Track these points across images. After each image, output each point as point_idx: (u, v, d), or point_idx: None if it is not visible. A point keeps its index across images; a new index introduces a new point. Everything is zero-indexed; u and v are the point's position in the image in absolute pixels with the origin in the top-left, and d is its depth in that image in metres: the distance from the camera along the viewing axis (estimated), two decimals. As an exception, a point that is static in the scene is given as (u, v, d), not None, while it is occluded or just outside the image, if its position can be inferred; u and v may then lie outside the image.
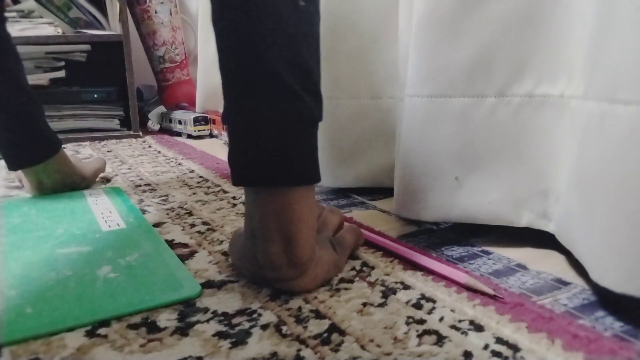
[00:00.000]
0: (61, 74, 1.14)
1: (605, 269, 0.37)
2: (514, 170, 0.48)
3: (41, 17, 1.15)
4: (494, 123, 0.48)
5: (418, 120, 0.50)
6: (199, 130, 1.17)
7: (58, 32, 1.12)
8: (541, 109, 0.47)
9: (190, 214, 0.61)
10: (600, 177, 0.38)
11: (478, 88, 0.48)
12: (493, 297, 0.39)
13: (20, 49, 1.08)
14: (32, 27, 1.11)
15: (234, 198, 0.67)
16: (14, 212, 0.61)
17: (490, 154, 0.49)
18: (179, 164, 0.90)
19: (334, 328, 0.35)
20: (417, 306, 0.38)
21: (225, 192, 0.71)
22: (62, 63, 1.14)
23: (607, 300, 0.39)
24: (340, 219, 0.50)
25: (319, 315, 0.37)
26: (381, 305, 0.39)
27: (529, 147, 0.48)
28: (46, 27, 1.12)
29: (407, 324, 0.36)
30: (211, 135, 1.20)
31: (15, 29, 1.09)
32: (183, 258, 0.48)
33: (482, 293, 0.40)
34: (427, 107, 0.49)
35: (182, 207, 0.64)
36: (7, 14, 0.63)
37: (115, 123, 1.20)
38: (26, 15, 1.14)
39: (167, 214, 0.61)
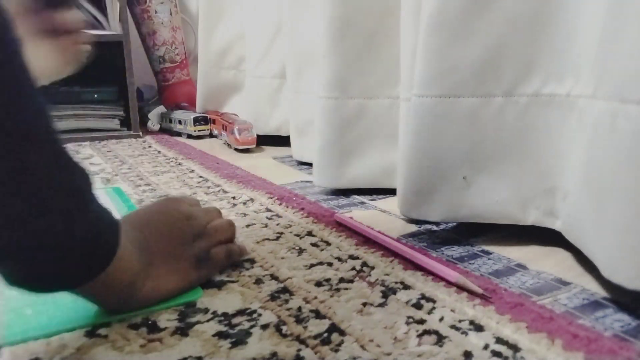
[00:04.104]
0: (61, 74, 1.14)
1: (617, 266, 0.37)
2: (521, 169, 0.49)
3: (41, 17, 1.14)
4: (501, 123, 0.48)
5: (426, 120, 0.50)
6: (199, 130, 1.17)
7: (58, 32, 1.12)
8: (548, 108, 0.47)
9: (190, 214, 0.61)
10: (611, 176, 0.38)
11: (486, 88, 0.48)
12: (482, 297, 0.39)
13: (20, 49, 1.09)
14: (32, 27, 1.11)
15: (233, 198, 0.67)
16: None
17: (498, 153, 0.49)
18: (179, 164, 0.90)
19: (334, 328, 0.35)
20: (417, 306, 0.38)
21: (225, 192, 0.71)
22: (62, 63, 1.14)
23: (611, 299, 0.39)
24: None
25: (319, 315, 0.37)
26: (381, 305, 0.39)
27: (536, 146, 0.48)
28: (46, 27, 1.12)
29: (407, 324, 0.36)
30: (211, 135, 1.20)
31: (15, 29, 1.09)
32: (183, 258, 0.48)
33: (472, 292, 0.40)
34: (435, 107, 0.49)
35: (182, 207, 0.64)
36: None
37: (115, 123, 1.20)
38: (26, 15, 1.14)
39: (167, 214, 0.61)
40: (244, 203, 0.65)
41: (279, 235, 0.54)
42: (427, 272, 0.44)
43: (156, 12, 1.30)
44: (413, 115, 0.51)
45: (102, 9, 1.20)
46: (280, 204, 0.64)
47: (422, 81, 0.50)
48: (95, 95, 1.18)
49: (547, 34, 0.46)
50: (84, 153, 1.01)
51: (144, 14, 1.30)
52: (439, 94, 0.49)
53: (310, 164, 0.89)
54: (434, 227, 0.57)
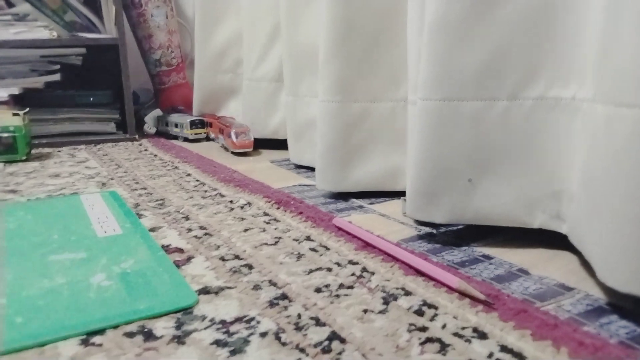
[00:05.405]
0: (57, 77, 1.13)
1: (611, 269, 0.37)
2: (527, 172, 0.48)
3: (36, 20, 1.14)
4: (506, 126, 0.48)
5: (431, 123, 0.50)
6: (195, 134, 1.16)
7: (53, 36, 1.11)
8: (553, 111, 0.46)
9: (186, 218, 0.61)
10: (605, 179, 0.38)
11: (490, 91, 0.48)
12: (484, 303, 0.38)
13: (16, 52, 1.08)
14: (27, 30, 1.10)
15: (231, 202, 0.67)
16: (9, 216, 0.60)
17: (503, 156, 0.49)
18: (176, 168, 0.89)
19: (334, 336, 0.35)
20: (419, 313, 0.38)
21: (222, 195, 0.70)
22: (58, 66, 1.13)
23: (615, 305, 0.39)
24: None
25: (319, 322, 0.36)
26: (382, 312, 0.38)
27: (542, 149, 0.48)
28: (41, 30, 1.11)
29: (409, 331, 0.35)
30: (208, 139, 1.19)
31: (10, 32, 1.08)
32: (179, 263, 0.47)
33: (474, 298, 0.39)
34: (440, 111, 0.49)
35: (178, 211, 0.63)
36: None
37: (111, 126, 1.19)
38: (21, 18, 1.14)
39: (164, 218, 0.60)
40: (242, 207, 0.64)
41: (277, 239, 0.53)
42: (428, 277, 0.43)
43: (152, 15, 1.29)
44: (418, 118, 0.51)
45: (98, 13, 1.19)
46: (278, 208, 0.64)
47: (425, 84, 0.50)
48: (91, 99, 1.17)
49: (551, 37, 0.45)
50: (79, 157, 1.00)
51: (139, 18, 1.30)
52: (443, 97, 0.49)
53: (308, 168, 0.89)
54: (434, 231, 0.56)
